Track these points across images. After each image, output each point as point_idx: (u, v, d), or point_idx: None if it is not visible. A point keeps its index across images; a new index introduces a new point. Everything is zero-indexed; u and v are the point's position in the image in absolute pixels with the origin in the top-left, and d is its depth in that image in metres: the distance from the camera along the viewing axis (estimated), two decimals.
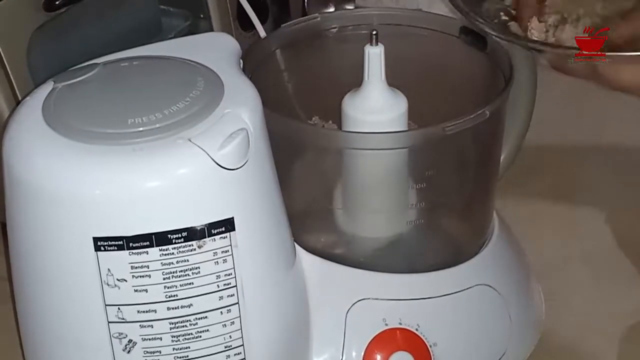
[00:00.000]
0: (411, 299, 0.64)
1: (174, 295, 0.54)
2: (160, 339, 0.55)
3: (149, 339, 0.55)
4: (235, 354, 0.57)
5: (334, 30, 0.71)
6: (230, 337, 0.56)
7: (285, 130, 0.61)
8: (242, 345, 0.57)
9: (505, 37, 0.64)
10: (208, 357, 0.56)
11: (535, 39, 0.64)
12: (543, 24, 0.64)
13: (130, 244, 0.53)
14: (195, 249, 0.53)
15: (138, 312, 0.54)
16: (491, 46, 0.67)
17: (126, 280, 0.53)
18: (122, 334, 0.55)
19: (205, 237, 0.53)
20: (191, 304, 0.55)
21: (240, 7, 0.84)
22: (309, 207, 0.67)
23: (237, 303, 0.56)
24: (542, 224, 0.82)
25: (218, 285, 0.55)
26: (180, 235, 0.53)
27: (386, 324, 0.63)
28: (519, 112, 0.72)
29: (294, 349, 0.61)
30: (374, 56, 0.63)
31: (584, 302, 0.75)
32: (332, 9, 0.95)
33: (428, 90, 0.69)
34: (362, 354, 0.62)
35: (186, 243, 0.53)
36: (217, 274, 0.54)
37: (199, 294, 0.55)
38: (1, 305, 0.70)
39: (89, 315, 0.55)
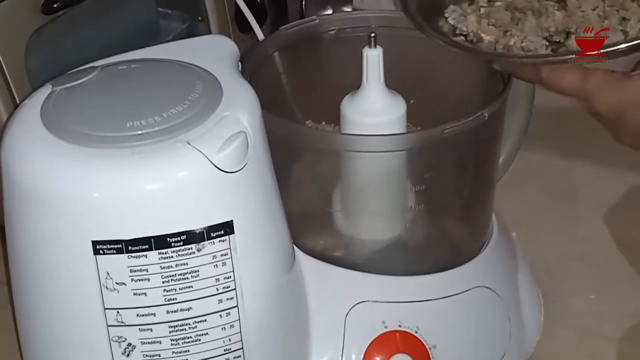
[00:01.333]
0: (410, 301, 0.63)
1: (173, 299, 0.54)
2: (160, 342, 0.55)
3: (149, 343, 0.55)
4: (234, 357, 0.56)
5: (332, 32, 0.71)
6: (229, 340, 0.56)
7: (284, 132, 0.61)
8: (242, 348, 0.56)
9: (456, 47, 0.65)
10: None
11: (485, 50, 0.64)
12: (493, 27, 0.65)
13: (129, 248, 0.53)
14: (194, 252, 0.53)
15: (137, 315, 0.54)
16: None
17: (125, 284, 0.53)
18: (121, 337, 0.55)
19: (205, 241, 0.53)
20: (190, 307, 0.55)
21: (238, 9, 0.83)
22: (308, 210, 0.67)
23: (237, 306, 0.55)
24: (541, 226, 0.82)
25: (217, 289, 0.55)
26: (179, 239, 0.53)
27: (385, 327, 0.63)
28: (518, 114, 0.72)
29: (293, 351, 0.61)
30: (373, 58, 0.63)
31: (583, 303, 0.75)
32: (330, 12, 0.95)
33: (427, 93, 0.69)
34: (362, 356, 0.62)
35: (185, 246, 0.53)
36: (217, 277, 0.54)
37: (198, 297, 0.54)
38: (0, 309, 0.70)
39: (88, 318, 0.55)
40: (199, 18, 0.85)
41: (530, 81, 0.63)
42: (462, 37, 0.66)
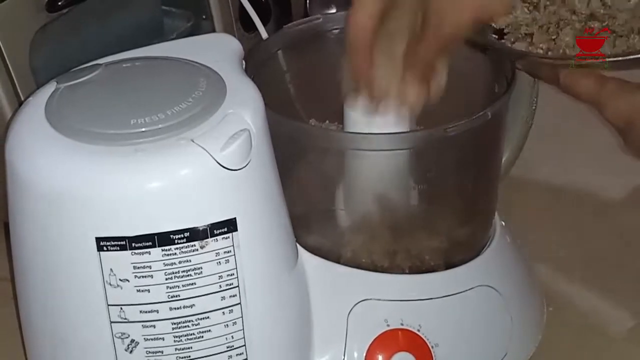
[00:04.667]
0: (413, 299, 0.64)
1: (176, 296, 0.54)
2: (163, 339, 0.55)
3: (151, 339, 0.55)
4: (237, 354, 0.57)
5: (336, 31, 0.71)
6: (232, 337, 0.56)
7: (287, 130, 0.61)
8: (244, 345, 0.57)
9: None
10: (210, 357, 0.56)
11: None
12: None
13: (133, 244, 0.53)
14: (197, 250, 0.54)
15: (140, 312, 0.54)
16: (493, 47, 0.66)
17: (129, 281, 0.54)
18: (124, 334, 0.55)
19: (208, 238, 0.54)
20: (193, 304, 0.55)
21: (242, 8, 0.84)
22: (311, 208, 0.67)
23: (239, 303, 0.56)
24: (543, 225, 0.82)
25: (220, 286, 0.55)
26: (182, 236, 0.53)
27: (388, 325, 0.63)
28: (521, 113, 0.72)
29: (295, 349, 0.61)
30: None
31: (585, 303, 0.75)
32: (334, 10, 0.95)
33: None
34: (364, 354, 0.62)
35: (188, 243, 0.53)
36: (220, 274, 0.55)
37: (201, 294, 0.55)
38: (4, 305, 0.70)
39: (91, 315, 0.55)
40: (203, 16, 0.85)
41: (549, 83, 0.63)
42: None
